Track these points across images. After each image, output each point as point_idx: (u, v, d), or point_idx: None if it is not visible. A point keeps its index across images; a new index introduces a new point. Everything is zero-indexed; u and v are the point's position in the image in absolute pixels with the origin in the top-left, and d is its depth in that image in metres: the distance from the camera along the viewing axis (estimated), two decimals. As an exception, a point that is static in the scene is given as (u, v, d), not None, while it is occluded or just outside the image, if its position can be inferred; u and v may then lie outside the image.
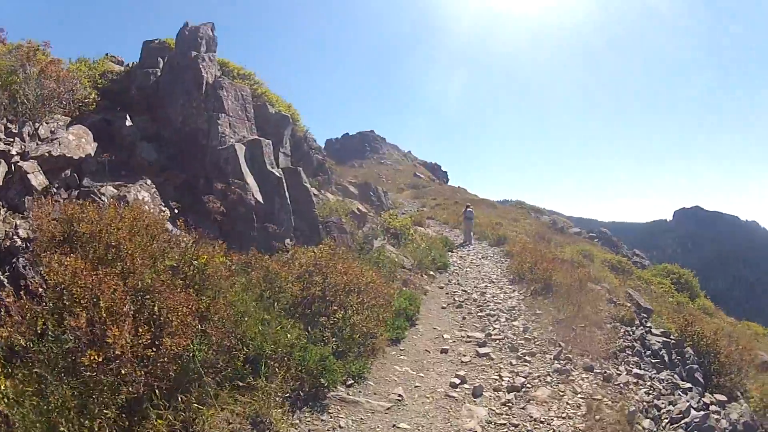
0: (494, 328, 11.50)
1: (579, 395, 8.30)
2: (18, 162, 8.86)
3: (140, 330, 5.32)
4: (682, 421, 8.30)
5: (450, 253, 21.67)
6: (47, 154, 9.52)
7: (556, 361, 9.59)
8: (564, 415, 7.64)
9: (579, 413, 7.71)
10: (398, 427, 6.93)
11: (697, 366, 12.44)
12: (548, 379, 8.86)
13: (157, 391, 5.41)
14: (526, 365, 9.43)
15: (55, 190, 9.46)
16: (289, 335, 7.60)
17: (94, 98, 12.86)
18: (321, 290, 8.83)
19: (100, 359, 4.87)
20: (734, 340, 15.91)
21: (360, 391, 7.81)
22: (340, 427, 6.72)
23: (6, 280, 6.80)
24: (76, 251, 6.51)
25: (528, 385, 8.53)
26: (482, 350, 10.05)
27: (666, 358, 12.06)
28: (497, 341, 10.67)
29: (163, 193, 12.08)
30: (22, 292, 5.55)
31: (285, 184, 13.39)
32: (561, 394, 8.33)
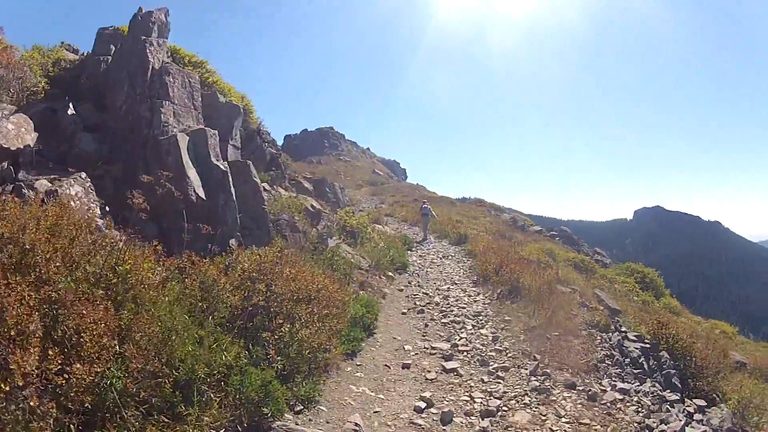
0: (460, 338, 10.34)
1: (563, 419, 7.17)
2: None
3: (51, 353, 4.23)
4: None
5: (409, 252, 20.67)
6: (-19, 144, 8.30)
7: (533, 378, 8.44)
8: (549, 445, 6.53)
9: (565, 442, 6.61)
10: (353, 470, 5.69)
11: (674, 371, 11.73)
12: (526, 399, 7.68)
13: (72, 426, 4.38)
14: (499, 382, 8.25)
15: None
16: (226, 355, 6.30)
17: (44, 86, 12.43)
18: (265, 300, 7.45)
19: (7, 389, 3.85)
20: (711, 341, 15.31)
21: (310, 419, 6.50)
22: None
23: None
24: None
25: (504, 408, 7.33)
26: (449, 365, 8.81)
27: (645, 366, 11.28)
28: (465, 353, 9.50)
29: (101, 188, 10.86)
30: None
31: (231, 179, 11.95)
32: (543, 418, 7.17)
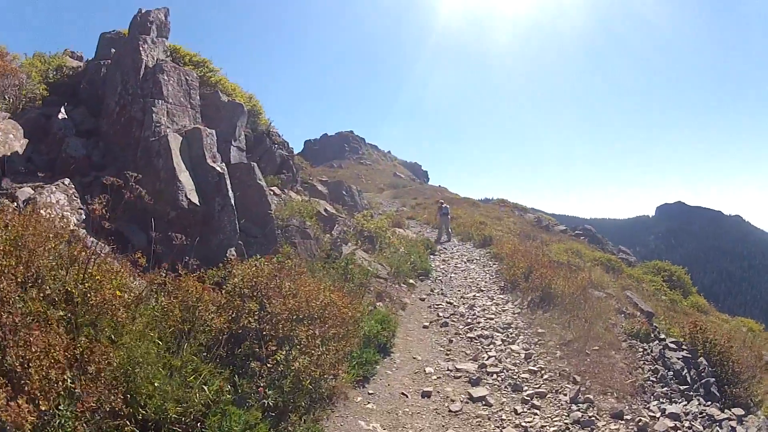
0: (489, 356, 9.19)
1: (614, 462, 6.00)
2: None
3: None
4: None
5: (432, 257, 19.54)
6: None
7: (574, 406, 7.25)
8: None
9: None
10: None
11: (713, 379, 10.60)
12: (568, 436, 6.53)
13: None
14: (535, 413, 7.06)
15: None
16: (206, 389, 5.29)
17: (42, 93, 12.30)
18: (257, 321, 6.40)
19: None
20: (747, 345, 14.04)
21: (306, 470, 5.45)
22: None
23: None
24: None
25: (543, 449, 6.19)
26: (476, 391, 7.64)
27: (688, 378, 10.10)
28: (494, 375, 8.33)
29: (91, 195, 9.91)
30: None
31: (229, 182, 10.94)
32: (589, 461, 6.01)
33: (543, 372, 8.48)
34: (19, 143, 10.24)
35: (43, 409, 3.83)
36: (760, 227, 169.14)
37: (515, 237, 24.36)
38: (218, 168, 10.87)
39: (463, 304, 13.00)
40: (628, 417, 7.15)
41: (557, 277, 13.54)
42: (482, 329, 10.78)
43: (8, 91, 11.12)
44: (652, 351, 10.63)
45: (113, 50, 14.45)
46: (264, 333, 6.31)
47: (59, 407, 4.05)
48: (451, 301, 13.34)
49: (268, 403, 5.61)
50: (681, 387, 9.50)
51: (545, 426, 6.70)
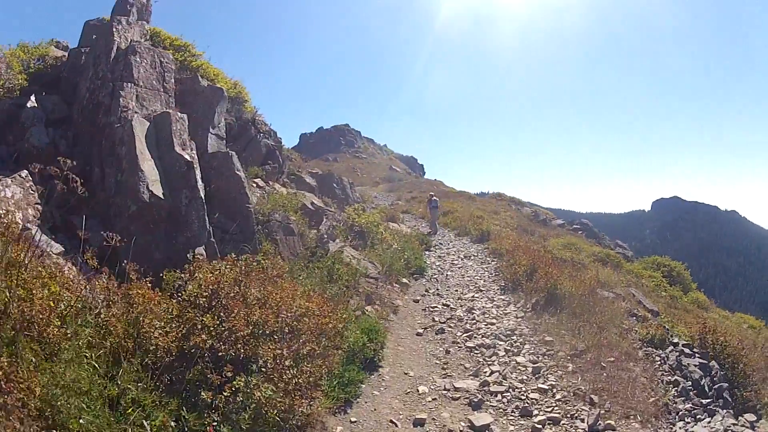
0: (491, 371, 8.04)
1: None
2: None
3: None
4: None
5: (427, 253, 18.44)
6: None
7: (594, 436, 6.14)
8: None
9: None
10: None
11: (726, 384, 9.69)
12: (591, 477, 5.40)
13: None
14: (550, 447, 5.95)
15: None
16: (147, 425, 4.17)
17: (21, 83, 11.71)
18: (212, 338, 5.20)
19: None
20: (758, 346, 13.16)
21: None
22: None
23: None
24: None
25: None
26: (478, 418, 6.44)
27: (707, 387, 9.16)
28: (498, 396, 7.17)
29: (52, 188, 8.84)
30: None
31: (198, 172, 9.74)
32: None
33: (555, 391, 7.33)
34: (-19, 134, 9.62)
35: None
36: (756, 222, 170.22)
37: (513, 231, 23.65)
38: (187, 156, 9.66)
39: (461, 306, 11.88)
40: (657, 447, 6.05)
41: (563, 276, 12.45)
42: (483, 337, 9.67)
43: None
44: (668, 359, 9.77)
45: (95, 37, 13.38)
46: (220, 354, 5.12)
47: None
48: (448, 302, 12.22)
49: (221, 442, 4.47)
50: (703, 401, 8.61)
51: (563, 465, 5.57)
